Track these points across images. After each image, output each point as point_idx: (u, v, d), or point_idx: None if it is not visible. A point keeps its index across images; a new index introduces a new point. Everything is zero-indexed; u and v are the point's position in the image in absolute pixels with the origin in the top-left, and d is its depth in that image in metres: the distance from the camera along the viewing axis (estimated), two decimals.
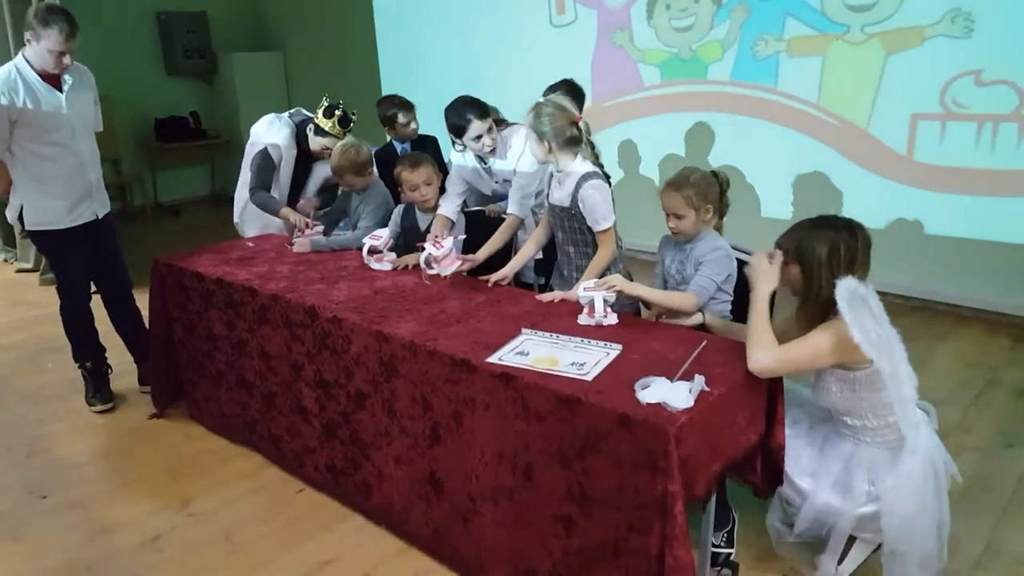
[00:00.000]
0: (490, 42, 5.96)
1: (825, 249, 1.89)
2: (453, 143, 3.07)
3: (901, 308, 4.20)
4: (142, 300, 3.38)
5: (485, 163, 3.10)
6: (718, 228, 2.42)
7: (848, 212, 4.35)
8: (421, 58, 6.51)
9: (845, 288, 1.82)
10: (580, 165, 2.49)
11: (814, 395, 2.06)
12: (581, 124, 2.47)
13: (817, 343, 1.87)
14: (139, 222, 7.20)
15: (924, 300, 4.25)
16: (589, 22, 5.33)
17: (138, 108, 7.48)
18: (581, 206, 2.46)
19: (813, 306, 1.92)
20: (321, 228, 3.32)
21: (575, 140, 2.46)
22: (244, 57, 7.91)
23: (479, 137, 2.93)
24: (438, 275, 2.63)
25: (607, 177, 2.60)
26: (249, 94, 7.80)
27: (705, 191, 2.31)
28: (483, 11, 5.95)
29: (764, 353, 1.87)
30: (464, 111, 2.94)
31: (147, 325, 3.33)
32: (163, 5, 7.59)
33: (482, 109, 2.95)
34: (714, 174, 2.36)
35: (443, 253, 2.58)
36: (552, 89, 3.39)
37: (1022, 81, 3.76)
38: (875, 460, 1.96)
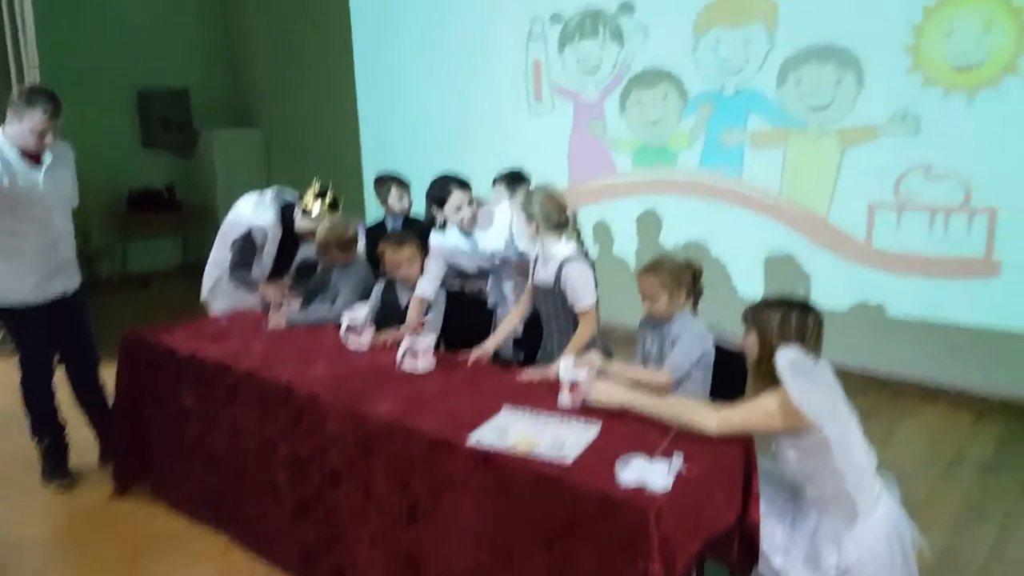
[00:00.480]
0: (472, 124, 6.15)
1: (778, 317, 2.03)
2: (433, 222, 3.16)
3: (867, 386, 4.28)
4: (107, 373, 3.31)
5: (469, 236, 3.19)
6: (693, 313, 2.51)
7: (814, 294, 4.54)
8: (403, 137, 6.67)
9: (785, 356, 1.93)
10: (564, 248, 2.61)
11: (776, 466, 2.11)
12: (569, 212, 2.62)
13: (762, 406, 1.97)
14: (106, 292, 7.08)
15: (889, 378, 4.36)
16: (565, 111, 5.56)
17: (112, 180, 7.48)
18: (564, 286, 2.55)
19: (765, 368, 2.01)
20: (298, 305, 3.32)
21: (562, 225, 2.61)
22: (224, 133, 8.02)
23: (460, 208, 3.08)
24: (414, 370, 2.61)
25: (590, 261, 2.72)
26: (228, 169, 7.89)
27: (678, 275, 2.43)
28: (465, 94, 6.16)
29: (707, 420, 1.97)
30: (445, 183, 3.12)
31: (112, 399, 3.26)
32: (145, 83, 7.72)
33: (462, 182, 3.12)
34: (688, 263, 2.47)
35: (422, 349, 2.60)
36: (504, 178, 3.54)
37: (968, 176, 3.99)
38: (838, 531, 2.00)
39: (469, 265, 3.26)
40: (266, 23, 8.05)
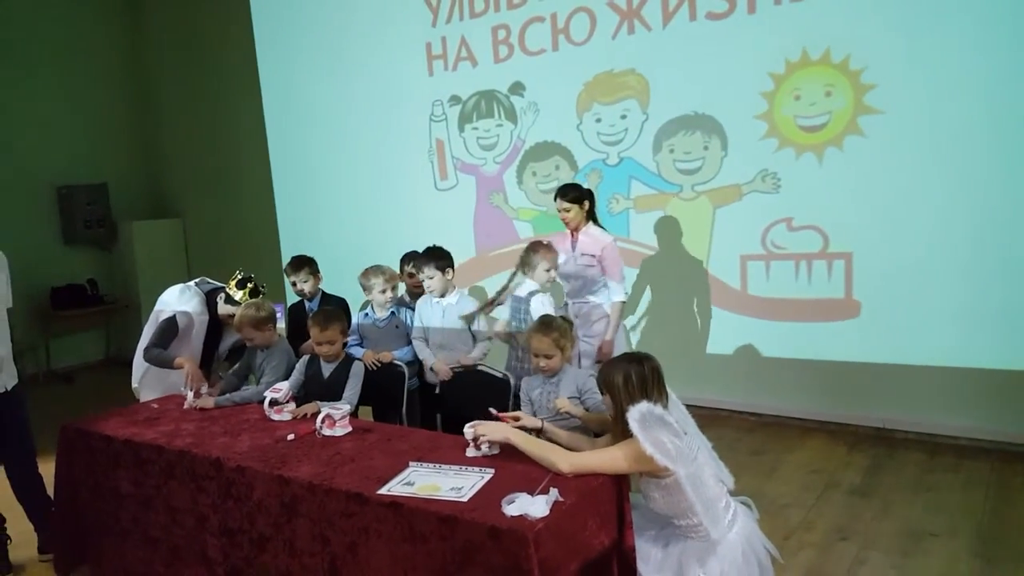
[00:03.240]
0: (383, 203, 6.55)
1: (621, 378, 2.32)
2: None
3: (754, 425, 4.74)
4: (42, 467, 3.45)
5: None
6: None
7: (699, 341, 4.98)
8: (319, 221, 6.98)
9: (637, 411, 2.22)
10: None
11: (647, 504, 2.42)
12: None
13: (611, 455, 2.29)
14: (32, 389, 6.98)
15: (775, 416, 4.80)
16: (469, 186, 6.02)
17: (34, 278, 7.54)
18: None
19: (620, 424, 2.32)
20: (216, 389, 3.50)
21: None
22: (143, 225, 8.20)
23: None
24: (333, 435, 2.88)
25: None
26: (148, 260, 8.06)
27: (567, 332, 2.80)
28: (376, 177, 6.57)
29: (561, 461, 2.29)
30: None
31: (49, 491, 3.40)
32: (64, 179, 7.87)
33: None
34: (564, 318, 2.86)
35: (339, 416, 2.90)
36: (419, 254, 3.91)
37: (824, 225, 4.55)
38: (702, 551, 2.32)
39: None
40: (183, 114, 8.32)
